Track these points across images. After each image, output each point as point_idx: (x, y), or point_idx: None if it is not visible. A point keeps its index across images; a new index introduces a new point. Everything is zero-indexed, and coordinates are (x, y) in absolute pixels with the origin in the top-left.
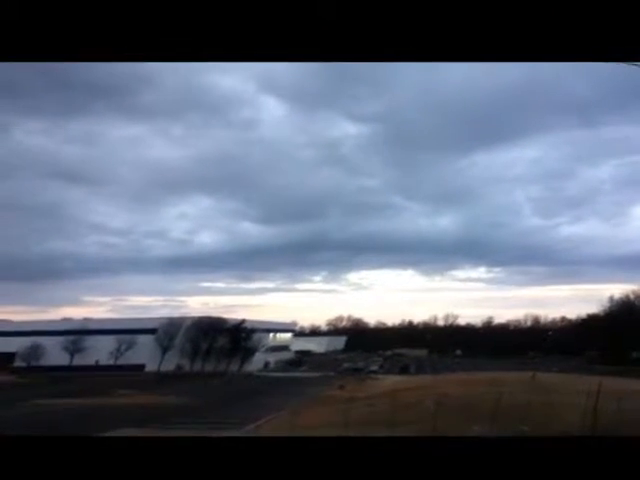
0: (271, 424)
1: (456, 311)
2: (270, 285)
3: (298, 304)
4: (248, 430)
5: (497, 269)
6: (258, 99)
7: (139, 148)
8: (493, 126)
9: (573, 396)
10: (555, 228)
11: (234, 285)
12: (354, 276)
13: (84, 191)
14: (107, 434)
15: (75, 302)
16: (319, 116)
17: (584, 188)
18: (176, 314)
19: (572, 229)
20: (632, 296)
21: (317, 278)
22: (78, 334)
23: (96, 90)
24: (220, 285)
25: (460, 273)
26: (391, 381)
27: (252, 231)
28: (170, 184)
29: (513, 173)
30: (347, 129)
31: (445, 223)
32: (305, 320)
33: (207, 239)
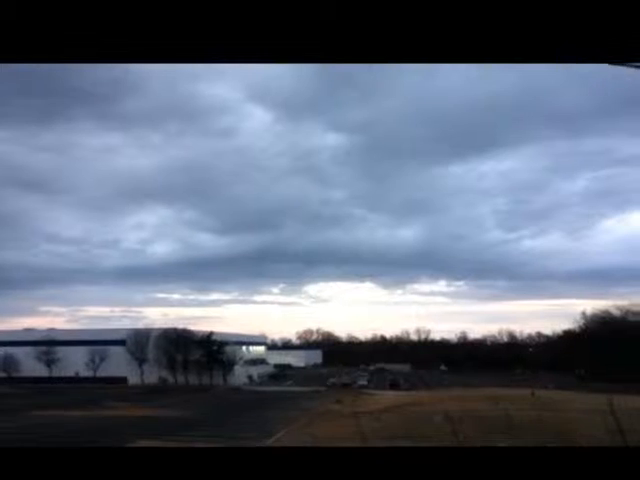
0: (287, 439)
1: (423, 325)
2: (227, 297)
3: (258, 316)
4: (266, 444)
5: (458, 283)
6: (244, 108)
7: (110, 157)
8: (474, 137)
9: (586, 414)
10: (517, 242)
11: (191, 296)
12: (312, 288)
13: (42, 200)
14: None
15: (32, 312)
16: (302, 125)
17: (553, 201)
18: (137, 325)
19: (535, 243)
20: (615, 312)
21: (275, 290)
22: (47, 345)
23: (77, 98)
24: (176, 296)
25: (421, 286)
26: (386, 396)
27: (207, 241)
28: (132, 193)
29: (484, 184)
30: (326, 139)
31: (405, 235)
32: (270, 332)
33: (161, 249)
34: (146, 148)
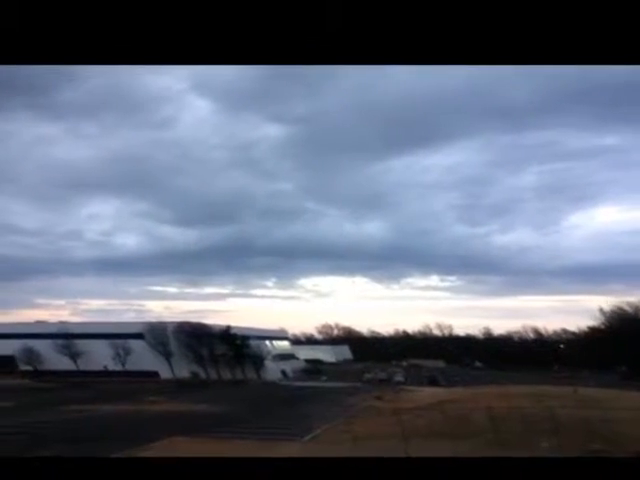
0: (328, 434)
1: (442, 320)
2: (225, 290)
3: (264, 310)
4: (305, 441)
5: (451, 277)
6: (185, 99)
7: (48, 148)
8: (416, 131)
9: (631, 412)
10: (487, 237)
11: (187, 290)
12: (307, 282)
13: None
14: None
15: (30, 305)
16: (243, 117)
17: (507, 195)
18: (144, 318)
19: (506, 238)
20: (627, 308)
21: (269, 284)
22: (65, 338)
23: (12, 88)
24: (172, 290)
25: (415, 281)
26: (426, 393)
27: (174, 234)
28: (77, 184)
29: (430, 178)
30: (267, 132)
31: (371, 230)
32: (286, 326)
33: (129, 242)
34: (83, 139)
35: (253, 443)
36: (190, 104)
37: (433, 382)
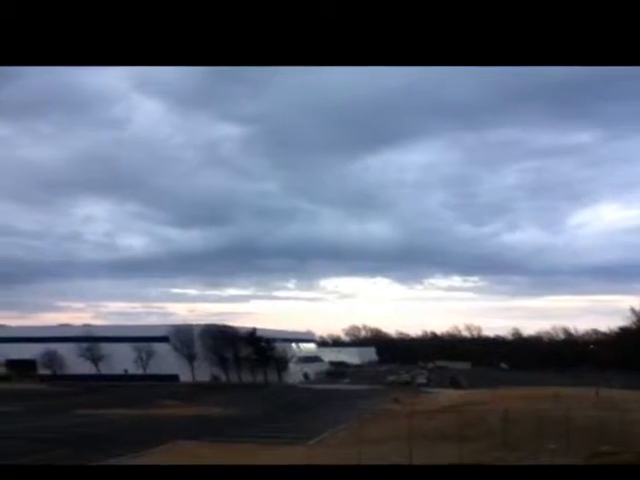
0: (334, 438)
1: (470, 321)
2: (246, 292)
3: (289, 312)
4: (310, 444)
5: (473, 278)
6: (133, 99)
7: (4, 148)
8: (378, 129)
9: None
10: (496, 236)
11: (207, 292)
12: (327, 283)
13: None
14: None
15: (51, 308)
16: (197, 117)
17: (499, 194)
18: (167, 321)
19: (517, 237)
20: None
21: (290, 285)
22: (89, 341)
23: None
24: (192, 292)
25: (438, 281)
26: (446, 395)
27: (175, 236)
28: (52, 185)
29: (415, 178)
30: (225, 131)
31: (378, 229)
32: (310, 328)
33: (134, 243)
34: (39, 139)
35: (256, 447)
36: (140, 104)
37: (455, 384)
